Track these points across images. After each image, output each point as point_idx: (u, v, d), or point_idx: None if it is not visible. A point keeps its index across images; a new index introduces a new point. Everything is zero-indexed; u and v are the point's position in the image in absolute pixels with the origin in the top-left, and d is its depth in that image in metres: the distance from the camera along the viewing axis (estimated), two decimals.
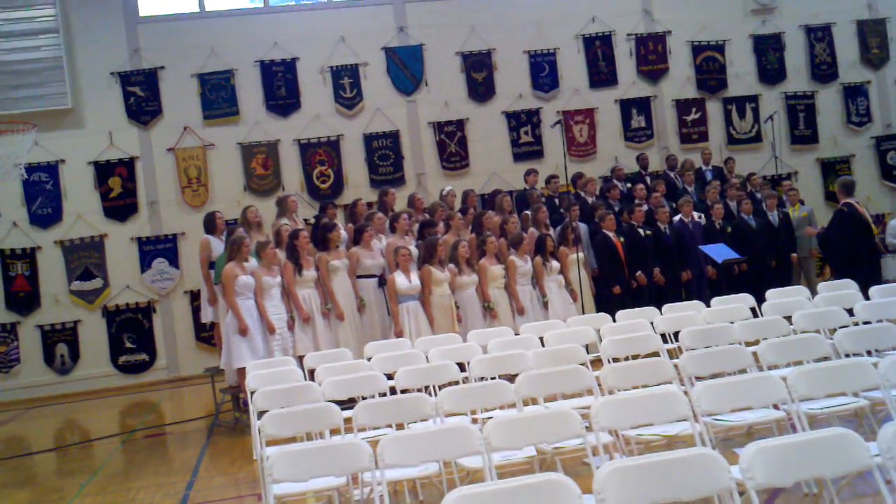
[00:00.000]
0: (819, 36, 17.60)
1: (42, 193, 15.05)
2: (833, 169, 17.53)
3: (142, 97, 15.31)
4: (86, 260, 15.07)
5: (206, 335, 14.30)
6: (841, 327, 7.14)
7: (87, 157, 15.15)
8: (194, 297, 14.45)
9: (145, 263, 15.21)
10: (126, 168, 15.27)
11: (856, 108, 17.75)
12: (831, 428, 4.07)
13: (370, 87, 16.00)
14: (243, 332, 9.56)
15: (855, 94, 17.74)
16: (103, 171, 15.21)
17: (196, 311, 14.02)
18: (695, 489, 3.50)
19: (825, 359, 6.28)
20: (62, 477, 9.03)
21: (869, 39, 17.81)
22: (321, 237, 10.44)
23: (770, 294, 9.44)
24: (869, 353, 6.53)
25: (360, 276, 10.37)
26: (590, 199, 13.03)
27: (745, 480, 3.46)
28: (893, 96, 17.91)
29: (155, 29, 15.52)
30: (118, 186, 15.25)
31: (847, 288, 9.40)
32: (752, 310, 9.11)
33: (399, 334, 9.79)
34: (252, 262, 9.93)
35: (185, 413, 12.09)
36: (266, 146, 15.61)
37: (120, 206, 15.25)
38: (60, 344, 14.93)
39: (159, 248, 15.27)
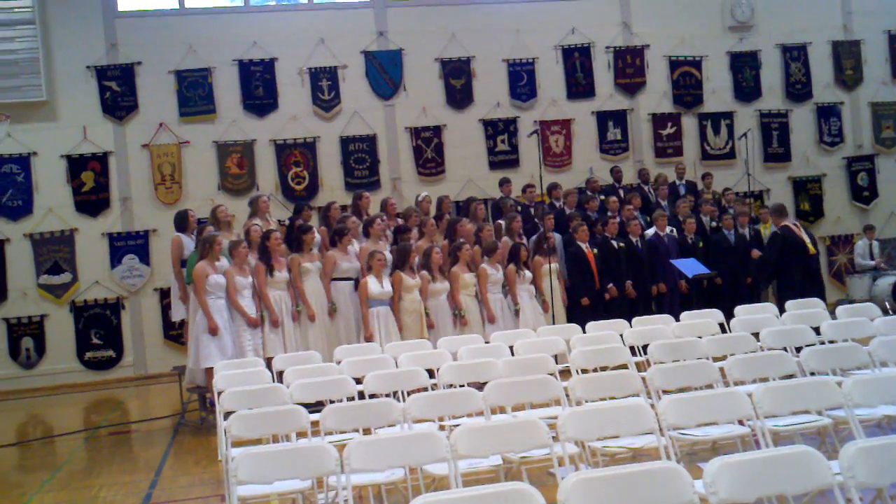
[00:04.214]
0: (795, 55, 17.80)
1: (13, 185, 14.89)
2: (804, 187, 17.75)
3: (118, 92, 15.20)
4: (55, 254, 14.93)
5: (175, 333, 14.22)
6: (807, 345, 7.22)
7: (60, 150, 15.02)
8: (164, 294, 14.36)
9: (116, 259, 15.08)
10: (99, 163, 15.15)
11: (828, 128, 17.96)
12: (795, 445, 4.12)
13: (348, 89, 15.99)
14: (213, 331, 9.51)
15: (828, 114, 17.96)
16: (76, 165, 15.08)
17: (165, 308, 13.94)
18: (658, 502, 3.52)
19: (791, 376, 6.35)
20: (24, 473, 8.93)
21: (843, 61, 18.03)
22: (295, 239, 10.41)
23: (739, 310, 9.52)
24: (834, 371, 6.61)
25: (336, 279, 10.34)
26: (567, 210, 13.07)
27: (708, 495, 3.48)
28: (865, 118, 18.15)
29: (133, 24, 15.43)
30: (91, 181, 15.12)
31: (814, 307, 9.51)
32: (721, 325, 9.18)
33: (369, 338, 9.79)
34: (223, 262, 9.88)
35: (150, 411, 12.00)
36: (242, 146, 15.55)
37: (92, 201, 15.12)
38: (26, 338, 14.76)
39: (130, 245, 15.15)
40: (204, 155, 15.46)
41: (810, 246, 11.34)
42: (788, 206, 17.24)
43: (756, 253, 12.50)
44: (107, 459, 9.14)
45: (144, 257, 15.14)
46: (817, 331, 8.03)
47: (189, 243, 10.71)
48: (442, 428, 5.99)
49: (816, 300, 9.87)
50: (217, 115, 15.55)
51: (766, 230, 13.40)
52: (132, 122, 15.33)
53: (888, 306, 13.88)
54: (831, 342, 7.73)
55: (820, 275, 11.67)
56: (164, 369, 13.57)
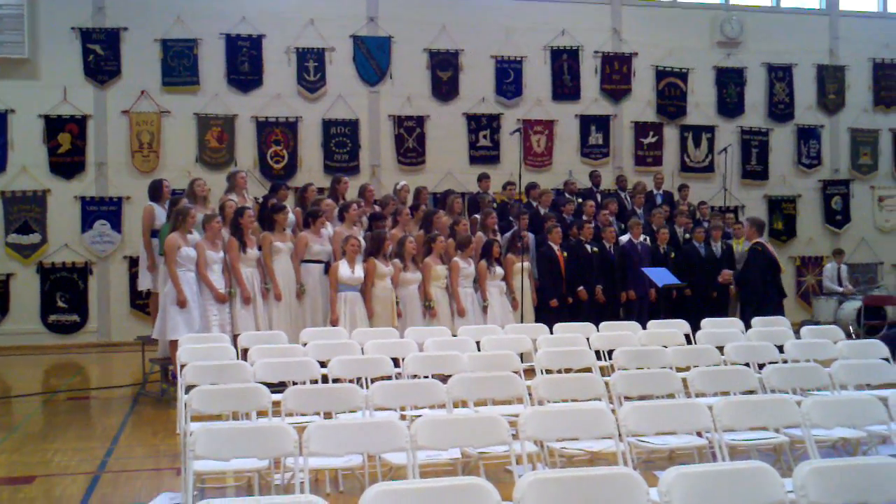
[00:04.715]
0: (780, 75, 17.95)
1: None
2: (779, 206, 17.92)
3: (101, 56, 15.03)
4: (26, 213, 14.75)
5: (141, 303, 14.13)
6: (770, 363, 7.29)
7: (39, 109, 14.82)
8: (133, 262, 14.25)
9: (87, 224, 14.93)
10: (77, 125, 14.98)
11: (807, 150, 18.14)
12: (750, 460, 4.17)
13: (334, 72, 15.92)
14: (181, 303, 9.45)
15: (808, 136, 18.13)
16: (53, 125, 14.90)
17: (133, 277, 13.85)
18: None
19: (752, 392, 6.41)
20: None
21: (827, 85, 18.21)
22: (268, 217, 10.37)
23: (705, 323, 9.59)
24: (794, 391, 6.67)
25: (306, 261, 10.31)
26: (542, 211, 13.10)
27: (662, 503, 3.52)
28: (844, 143, 18.36)
29: None
30: (67, 143, 14.96)
31: (780, 325, 9.61)
32: (687, 336, 9.25)
33: (334, 322, 9.77)
34: (195, 235, 9.82)
35: (111, 379, 11.91)
36: (223, 120, 15.44)
37: (67, 164, 14.96)
38: None
39: (102, 210, 15.01)
40: (184, 126, 15.33)
41: (782, 265, 11.45)
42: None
43: (727, 274, 12.40)
44: (63, 424, 9.07)
45: (116, 224, 15.01)
46: (781, 349, 8.11)
47: (161, 213, 10.63)
48: (403, 418, 6.01)
49: (782, 318, 9.98)
50: (200, 88, 15.43)
51: (739, 245, 13.49)
52: (113, 87, 15.16)
53: (852, 330, 14.03)
54: (794, 361, 7.81)
55: (783, 293, 11.71)
56: (127, 338, 13.46)
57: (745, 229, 11.75)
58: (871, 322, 14.88)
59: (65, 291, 14.83)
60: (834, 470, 3.71)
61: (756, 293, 11.09)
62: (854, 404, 5.47)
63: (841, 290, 15.98)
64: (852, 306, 15.25)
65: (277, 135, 15.66)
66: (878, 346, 7.93)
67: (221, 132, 15.44)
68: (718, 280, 12.41)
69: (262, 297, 10.04)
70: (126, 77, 15.16)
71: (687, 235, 13.33)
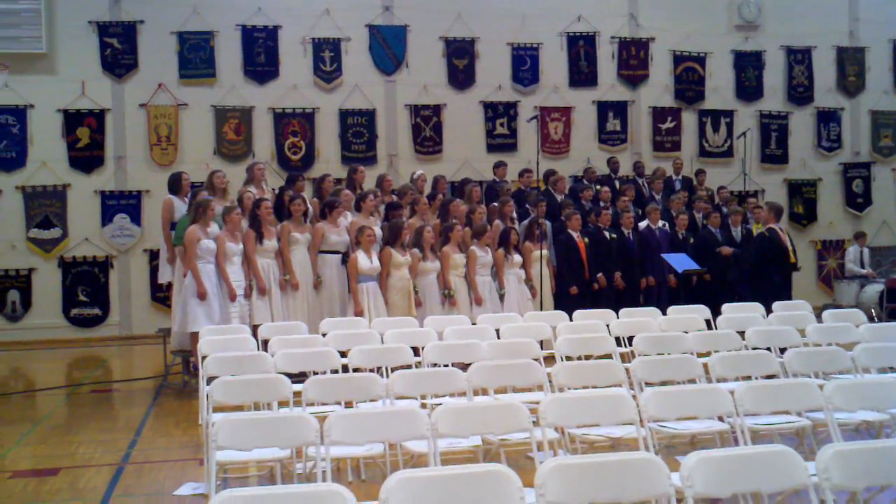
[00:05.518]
0: (799, 58, 17.79)
1: (7, 136, 14.80)
2: (800, 190, 17.79)
3: (118, 49, 15.09)
4: (46, 208, 14.86)
5: (162, 295, 14.19)
6: (792, 347, 7.25)
7: (57, 104, 14.91)
8: (153, 255, 14.32)
9: (107, 217, 15.03)
10: (96, 119, 15.06)
11: (827, 133, 17.99)
12: (772, 444, 4.15)
13: (350, 62, 15.92)
14: (202, 296, 9.49)
15: (828, 119, 17.98)
16: (72, 120, 14.99)
17: (154, 270, 13.89)
18: (634, 492, 3.55)
19: (773, 376, 6.38)
20: (3, 425, 8.90)
21: (847, 67, 18.04)
22: (285, 208, 10.39)
23: (726, 308, 9.55)
24: (816, 374, 6.64)
25: (323, 252, 10.32)
26: (559, 197, 13.05)
27: (684, 488, 3.51)
28: (865, 125, 18.19)
29: None
30: (86, 137, 15.04)
31: (801, 309, 9.55)
32: (708, 322, 9.21)
33: (359, 313, 9.77)
34: (214, 227, 9.85)
35: (133, 372, 12.00)
36: (240, 112, 15.48)
37: (86, 158, 15.05)
38: (13, 290, 14.72)
39: (122, 204, 15.09)
40: (201, 118, 15.38)
41: (792, 255, 11.37)
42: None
43: (727, 250, 12.47)
44: (87, 416, 9.14)
45: (136, 217, 15.09)
46: (803, 333, 8.06)
47: (181, 206, 10.66)
48: (424, 406, 6.01)
49: (804, 303, 9.92)
50: (217, 80, 15.47)
51: (758, 230, 13.39)
52: (131, 80, 15.23)
53: (874, 314, 13.94)
54: (816, 345, 7.76)
55: (790, 286, 11.64)
56: (149, 330, 13.53)
57: (764, 213, 11.71)
58: (893, 305, 14.77)
59: (86, 285, 14.94)
60: (857, 453, 3.69)
61: (752, 273, 11.09)
62: (877, 387, 5.43)
63: (864, 272, 15.88)
64: (874, 289, 15.15)
65: (294, 126, 15.68)
66: None
67: (239, 124, 15.47)
68: (720, 251, 12.41)
69: (279, 288, 10.07)
70: (143, 70, 15.22)
71: (705, 221, 13.26)
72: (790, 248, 11.42)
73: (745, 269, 11.80)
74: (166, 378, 10.74)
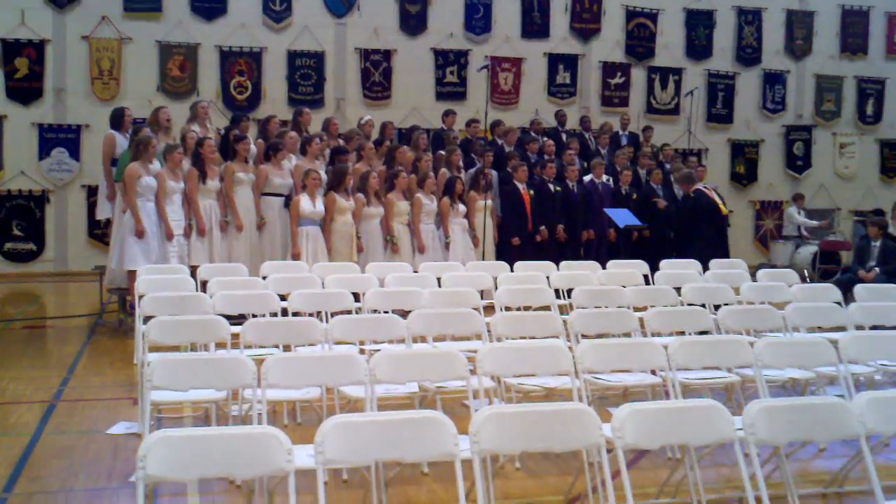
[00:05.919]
0: (749, 19, 17.93)
1: None
2: (742, 151, 18.05)
3: None
4: None
5: (99, 232, 13.93)
6: (726, 304, 7.40)
7: None
8: (91, 191, 13.99)
9: (44, 151, 14.66)
10: (35, 50, 14.60)
11: (772, 95, 18.22)
12: (702, 399, 4.25)
13: (301, 3, 15.63)
14: (140, 233, 9.33)
15: (774, 81, 18.19)
16: (10, 49, 14.51)
17: (92, 206, 13.62)
18: (566, 441, 3.62)
19: (707, 332, 6.51)
20: None
21: (795, 30, 18.23)
22: (230, 148, 10.23)
23: (664, 264, 9.67)
24: (748, 332, 6.79)
25: (266, 194, 10.21)
26: (507, 148, 13.05)
27: (614, 439, 3.58)
28: (809, 89, 18.45)
29: None
30: (24, 68, 14.60)
31: (737, 267, 9.73)
32: (646, 277, 9.34)
33: (296, 256, 9.72)
34: (155, 164, 9.67)
35: (68, 309, 11.83)
36: (185, 48, 15.14)
37: (24, 89, 14.62)
38: None
39: (61, 138, 14.73)
40: (145, 53, 15.01)
41: (723, 207, 11.62)
42: (724, 168, 17.72)
43: (662, 202, 12.70)
44: (19, 353, 9.00)
45: (74, 152, 14.74)
46: (737, 291, 8.22)
47: (122, 142, 10.42)
48: (362, 352, 6.02)
49: (740, 261, 10.10)
50: (162, 15, 15.07)
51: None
52: (73, 11, 14.76)
53: (807, 274, 14.26)
54: (749, 303, 7.92)
55: (727, 235, 11.91)
56: (85, 267, 13.31)
57: (680, 186, 12.04)
58: (825, 266, 15.15)
59: (21, 219, 14.60)
60: (782, 409, 3.79)
61: (691, 238, 11.31)
62: (805, 346, 5.58)
63: (813, 224, 16.34)
64: (808, 250, 15.52)
65: (241, 65, 15.40)
66: (831, 290, 8.05)
67: (184, 61, 15.14)
68: (658, 206, 12.68)
69: (220, 229, 9.94)
70: (86, 2, 14.75)
71: (648, 177, 13.38)
72: (719, 201, 11.65)
73: (676, 224, 12.00)
74: (102, 316, 10.59)
